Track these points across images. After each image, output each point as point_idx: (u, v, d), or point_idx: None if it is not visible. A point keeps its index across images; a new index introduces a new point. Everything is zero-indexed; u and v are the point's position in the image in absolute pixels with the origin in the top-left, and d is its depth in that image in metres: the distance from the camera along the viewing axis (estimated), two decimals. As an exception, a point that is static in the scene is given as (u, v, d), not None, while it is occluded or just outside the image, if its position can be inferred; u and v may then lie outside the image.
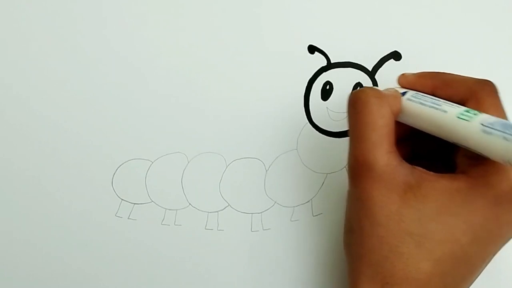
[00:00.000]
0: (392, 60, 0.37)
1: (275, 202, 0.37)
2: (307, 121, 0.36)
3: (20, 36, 0.33)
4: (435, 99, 0.29)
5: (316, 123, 0.37)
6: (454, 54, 0.38)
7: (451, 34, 0.38)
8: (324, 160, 0.37)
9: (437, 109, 0.28)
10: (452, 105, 0.28)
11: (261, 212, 0.37)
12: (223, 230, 0.37)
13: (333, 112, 0.37)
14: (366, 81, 0.37)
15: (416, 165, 0.29)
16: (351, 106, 0.29)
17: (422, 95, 0.30)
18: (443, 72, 0.31)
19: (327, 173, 0.37)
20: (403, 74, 0.32)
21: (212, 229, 0.37)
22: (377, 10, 0.37)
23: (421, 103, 0.29)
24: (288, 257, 0.38)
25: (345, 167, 0.37)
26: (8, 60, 0.33)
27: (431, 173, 0.28)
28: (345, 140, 0.37)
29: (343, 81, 0.37)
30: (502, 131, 0.25)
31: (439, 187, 0.27)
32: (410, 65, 0.37)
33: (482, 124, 0.26)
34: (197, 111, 0.35)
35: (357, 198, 0.28)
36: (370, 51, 0.37)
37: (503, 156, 0.25)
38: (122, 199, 0.35)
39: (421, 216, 0.27)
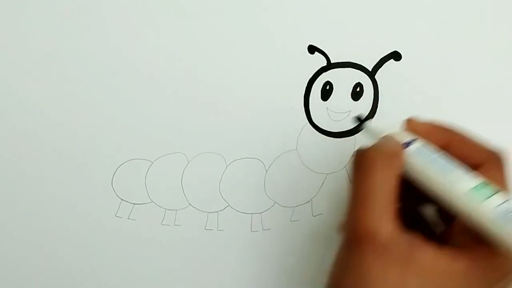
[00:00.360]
0: (392, 60, 0.37)
1: (275, 202, 0.37)
2: (307, 121, 0.36)
3: (19, 35, 0.33)
4: (446, 160, 0.26)
5: (316, 123, 0.37)
6: (454, 54, 0.38)
7: (451, 34, 0.38)
8: (324, 160, 0.37)
9: (446, 174, 0.25)
10: (466, 172, 0.25)
11: (261, 212, 0.37)
12: (223, 230, 0.37)
13: (333, 112, 0.37)
14: (366, 81, 0.37)
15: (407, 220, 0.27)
16: (356, 167, 0.27)
17: (430, 152, 0.27)
18: (457, 129, 0.29)
19: (327, 173, 0.37)
20: (410, 120, 0.29)
21: (212, 229, 0.37)
22: (377, 10, 0.37)
23: (430, 161, 0.26)
24: (288, 257, 0.38)
25: (345, 167, 0.37)
26: (8, 59, 0.33)
27: (432, 246, 0.26)
28: (345, 140, 0.37)
29: (343, 81, 0.37)
30: None
31: (440, 266, 0.25)
32: (410, 65, 0.37)
33: (499, 207, 0.23)
34: (197, 111, 0.35)
35: (352, 265, 0.27)
36: (370, 51, 0.37)
37: None
38: (122, 199, 0.35)
39: None
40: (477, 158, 0.27)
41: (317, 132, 0.37)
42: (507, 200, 0.24)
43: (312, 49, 0.36)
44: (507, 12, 0.39)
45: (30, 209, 0.35)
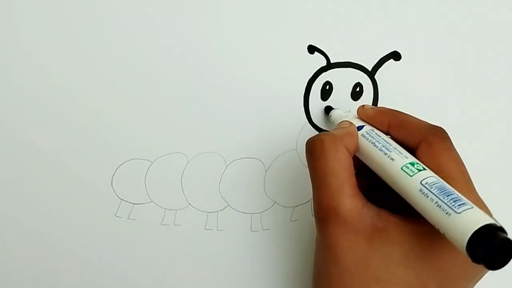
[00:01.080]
0: (392, 60, 0.37)
1: (275, 202, 0.37)
2: (307, 121, 0.36)
3: (18, 34, 0.33)
4: (388, 142, 0.29)
5: (316, 123, 0.37)
6: (454, 54, 0.38)
7: (451, 34, 0.38)
8: (324, 160, 0.37)
9: (385, 154, 0.28)
10: (402, 153, 0.28)
11: (260, 212, 0.37)
12: (222, 230, 0.37)
13: (332, 112, 0.37)
14: (366, 81, 0.37)
15: (380, 196, 0.29)
16: (309, 154, 0.29)
17: (377, 134, 0.30)
18: (400, 112, 0.31)
19: (326, 173, 0.37)
20: (362, 106, 0.32)
21: (211, 229, 0.37)
22: (377, 10, 0.37)
23: (373, 143, 0.29)
24: (287, 257, 0.38)
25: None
26: (6, 58, 0.33)
27: (397, 216, 0.28)
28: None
29: (343, 81, 0.37)
30: (437, 196, 0.25)
31: (405, 231, 0.27)
32: (410, 65, 0.37)
33: (421, 183, 0.26)
34: (196, 111, 0.35)
35: (324, 244, 0.28)
36: (370, 51, 0.37)
37: (433, 221, 0.25)
38: (122, 199, 0.35)
39: (388, 260, 0.27)
40: (417, 136, 0.29)
41: (317, 132, 0.37)
42: (430, 176, 0.26)
43: (312, 49, 0.36)
44: (508, 13, 0.39)
45: (30, 209, 0.35)
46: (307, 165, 0.29)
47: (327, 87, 0.36)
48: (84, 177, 0.35)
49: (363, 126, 0.31)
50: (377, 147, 0.29)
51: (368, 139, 0.30)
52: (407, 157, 0.28)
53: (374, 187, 0.30)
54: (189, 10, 0.34)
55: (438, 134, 0.29)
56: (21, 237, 0.35)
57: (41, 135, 0.34)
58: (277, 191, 0.37)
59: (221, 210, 0.37)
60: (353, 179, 0.28)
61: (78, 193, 0.35)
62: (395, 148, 0.29)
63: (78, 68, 0.34)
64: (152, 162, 0.35)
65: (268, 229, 0.37)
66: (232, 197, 0.36)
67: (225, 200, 0.36)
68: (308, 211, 0.37)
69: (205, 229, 0.37)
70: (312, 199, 0.29)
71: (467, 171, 0.28)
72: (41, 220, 0.35)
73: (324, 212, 0.28)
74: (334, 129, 0.32)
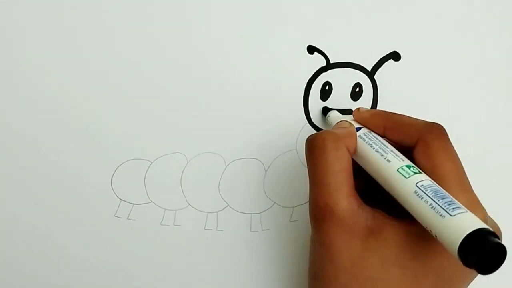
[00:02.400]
0: (391, 60, 0.37)
1: (274, 202, 0.37)
2: (307, 121, 0.36)
3: (18, 34, 0.33)
4: (384, 144, 0.29)
5: (316, 123, 0.37)
6: (454, 54, 0.38)
7: (451, 34, 0.38)
8: (324, 160, 0.37)
9: (382, 155, 0.28)
10: (398, 156, 0.28)
11: (260, 212, 0.37)
12: (222, 230, 0.37)
13: (332, 113, 0.37)
14: (366, 81, 0.37)
15: (374, 198, 0.29)
16: (309, 152, 0.29)
17: (374, 136, 0.30)
18: (395, 114, 0.31)
19: (326, 173, 0.37)
20: (358, 109, 0.32)
21: (211, 230, 0.37)
22: (377, 10, 0.37)
23: (370, 145, 0.29)
24: (287, 257, 0.38)
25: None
26: (6, 58, 0.33)
27: (392, 217, 0.28)
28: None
29: (343, 82, 0.37)
30: (431, 198, 0.25)
31: (400, 231, 0.27)
32: (409, 65, 0.37)
33: (417, 185, 0.26)
34: (196, 111, 0.35)
35: (320, 243, 0.28)
36: (370, 52, 0.37)
37: (426, 223, 0.25)
38: (121, 200, 0.35)
39: (383, 261, 0.27)
40: (413, 136, 0.29)
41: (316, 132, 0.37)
42: (426, 179, 0.26)
43: (311, 49, 0.36)
44: (508, 12, 0.39)
45: (29, 209, 0.35)
46: (306, 165, 0.29)
47: (327, 87, 0.36)
48: (83, 177, 0.35)
49: (360, 128, 0.31)
50: (373, 148, 0.29)
51: (365, 140, 0.30)
52: (403, 160, 0.28)
53: (369, 188, 0.30)
54: (189, 10, 0.34)
55: (435, 132, 0.29)
56: (20, 237, 0.35)
57: (40, 135, 0.34)
58: (276, 191, 0.37)
59: (221, 210, 0.37)
60: (351, 180, 0.28)
61: (78, 193, 0.35)
62: (392, 151, 0.29)
63: (78, 68, 0.33)
64: (152, 162, 0.35)
65: (268, 229, 0.37)
66: (232, 197, 0.36)
67: (224, 200, 0.36)
68: (308, 211, 0.37)
69: (205, 229, 0.37)
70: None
71: (463, 170, 0.28)
72: (40, 220, 0.35)
73: (320, 211, 0.28)
74: (334, 128, 0.32)
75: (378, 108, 0.37)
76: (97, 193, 0.35)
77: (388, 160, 0.28)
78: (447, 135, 0.29)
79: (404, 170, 0.27)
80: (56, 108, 0.34)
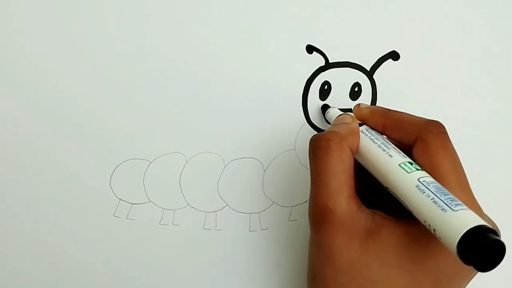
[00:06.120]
0: (390, 60, 0.37)
1: (273, 202, 0.37)
2: (305, 121, 0.36)
3: (18, 35, 0.33)
4: (386, 141, 0.29)
5: (314, 123, 0.37)
6: (453, 54, 0.38)
7: (450, 34, 0.38)
8: (322, 160, 0.37)
9: (384, 150, 0.28)
10: (400, 153, 0.28)
11: (259, 212, 0.37)
12: (221, 230, 0.37)
13: (331, 112, 0.37)
14: (364, 81, 0.37)
15: (373, 199, 0.29)
16: (312, 152, 0.29)
17: (376, 132, 0.30)
18: (394, 111, 0.31)
19: (325, 173, 0.37)
20: (358, 105, 0.32)
21: (210, 229, 0.37)
22: (376, 10, 0.37)
23: (372, 139, 0.29)
24: (286, 256, 0.38)
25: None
26: (6, 59, 0.33)
27: (391, 218, 0.28)
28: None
29: (342, 81, 0.37)
30: (433, 193, 0.25)
31: (398, 232, 0.27)
32: (408, 64, 0.37)
33: (419, 180, 0.26)
34: (195, 111, 0.35)
35: (319, 244, 0.28)
36: (368, 51, 0.37)
37: (426, 218, 0.25)
38: (120, 199, 0.35)
39: (383, 262, 0.27)
40: (412, 135, 0.29)
41: (316, 132, 0.37)
42: (428, 176, 0.26)
43: (310, 48, 0.36)
44: (508, 12, 0.39)
45: (29, 209, 0.35)
46: (305, 165, 0.29)
47: (326, 87, 0.36)
48: (82, 177, 0.35)
49: (362, 124, 0.31)
50: (376, 143, 0.29)
51: (367, 135, 0.30)
52: (405, 157, 0.28)
53: (368, 189, 0.30)
54: (188, 10, 0.34)
55: (434, 130, 0.29)
56: (20, 237, 0.35)
57: (40, 135, 0.34)
58: (275, 191, 0.37)
59: (220, 210, 0.37)
60: (352, 181, 0.28)
61: (77, 193, 0.35)
62: (394, 147, 0.29)
63: (77, 68, 0.33)
64: (151, 162, 0.35)
65: (267, 228, 0.37)
66: (231, 197, 0.36)
67: (223, 200, 0.36)
68: (306, 210, 0.37)
69: (204, 229, 0.37)
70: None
71: (462, 169, 0.28)
72: (39, 220, 0.35)
73: (320, 212, 0.28)
74: (335, 123, 0.32)
75: (377, 107, 0.37)
76: (96, 193, 0.35)
77: (390, 155, 0.28)
78: (447, 133, 0.29)
79: (406, 165, 0.27)
80: (55, 108, 0.34)
